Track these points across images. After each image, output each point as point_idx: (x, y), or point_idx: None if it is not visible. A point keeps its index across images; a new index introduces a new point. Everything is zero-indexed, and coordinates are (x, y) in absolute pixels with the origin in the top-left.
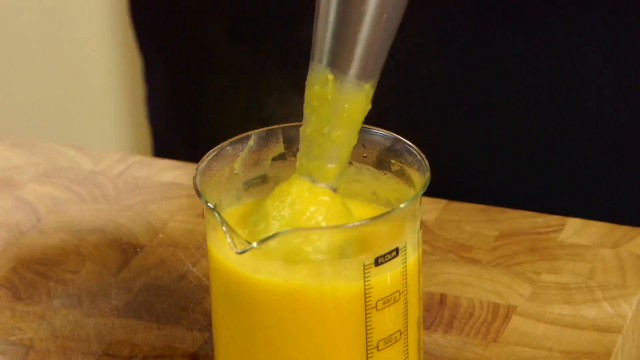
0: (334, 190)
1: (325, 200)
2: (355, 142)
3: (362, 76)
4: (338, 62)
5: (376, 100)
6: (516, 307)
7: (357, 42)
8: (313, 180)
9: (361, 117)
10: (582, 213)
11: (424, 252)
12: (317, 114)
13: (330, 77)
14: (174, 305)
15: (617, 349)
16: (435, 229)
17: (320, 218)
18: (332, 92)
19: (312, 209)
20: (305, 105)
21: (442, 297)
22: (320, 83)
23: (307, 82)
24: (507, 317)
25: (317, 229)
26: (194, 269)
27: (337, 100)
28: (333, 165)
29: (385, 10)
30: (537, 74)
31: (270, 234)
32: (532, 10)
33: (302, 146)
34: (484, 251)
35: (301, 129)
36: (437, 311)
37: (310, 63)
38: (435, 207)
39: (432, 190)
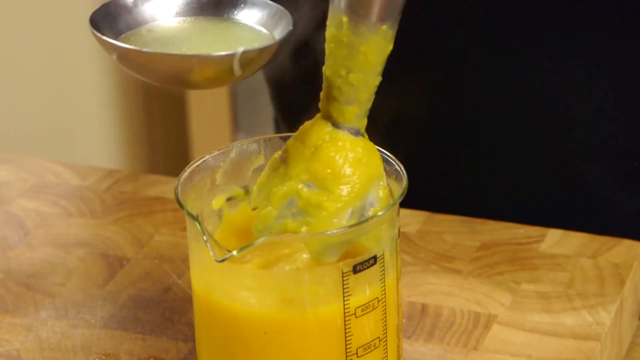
0: (357, 132)
1: (345, 147)
2: (377, 82)
3: (378, 18)
4: (352, 5)
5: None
6: (496, 315)
7: None
8: (334, 123)
9: (379, 59)
10: (563, 224)
11: (406, 263)
12: (334, 56)
13: (345, 19)
14: (159, 317)
15: (595, 357)
16: (417, 240)
17: (341, 162)
18: (347, 34)
19: (332, 154)
20: (325, 45)
21: (424, 307)
22: (336, 25)
23: (327, 22)
24: (487, 326)
25: (295, 236)
26: (179, 281)
27: (353, 43)
28: (352, 107)
29: None
30: (519, 91)
31: (292, 181)
32: (525, 17)
33: (323, 86)
34: (465, 262)
35: (323, 68)
36: (418, 320)
37: (330, 3)
38: (417, 219)
39: (415, 203)
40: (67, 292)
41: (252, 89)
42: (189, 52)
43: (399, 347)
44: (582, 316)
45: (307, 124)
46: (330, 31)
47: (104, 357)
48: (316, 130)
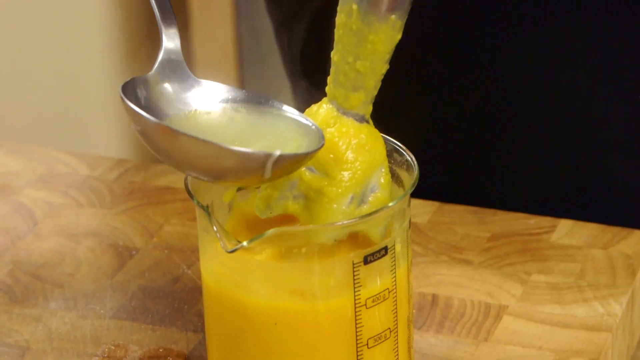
0: (361, 118)
1: (349, 133)
2: (383, 71)
3: (387, 8)
4: None
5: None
6: (507, 306)
7: None
8: (339, 108)
9: (387, 48)
10: (574, 214)
11: (417, 254)
12: (342, 43)
13: (355, 7)
14: (168, 307)
15: (607, 348)
16: (427, 230)
17: (344, 147)
18: (356, 22)
19: (335, 139)
20: (335, 31)
21: (434, 298)
22: (346, 12)
23: (337, 9)
24: (498, 317)
25: (306, 227)
26: (189, 272)
27: (361, 31)
28: (358, 93)
29: None
30: (529, 79)
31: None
32: (536, 11)
33: (331, 71)
34: (476, 252)
35: (331, 53)
36: (429, 311)
37: None
38: (427, 210)
39: (425, 193)
40: (77, 283)
41: (265, 79)
42: (222, 143)
43: (409, 338)
44: (593, 307)
45: (313, 107)
46: (340, 18)
47: (113, 348)
48: (321, 114)
